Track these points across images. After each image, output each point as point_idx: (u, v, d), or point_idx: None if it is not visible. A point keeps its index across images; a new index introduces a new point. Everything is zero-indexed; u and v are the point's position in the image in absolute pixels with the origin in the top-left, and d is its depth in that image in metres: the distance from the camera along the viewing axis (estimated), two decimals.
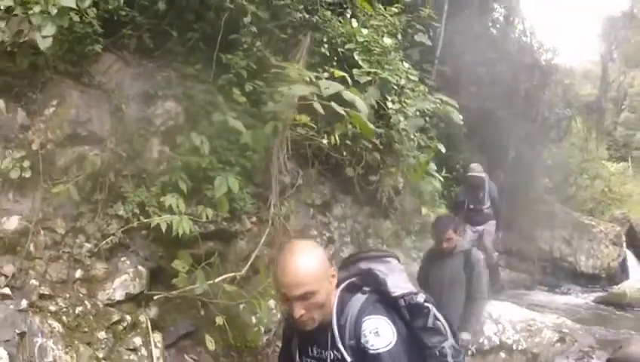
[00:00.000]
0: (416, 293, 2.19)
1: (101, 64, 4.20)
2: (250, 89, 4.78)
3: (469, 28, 11.77)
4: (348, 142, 5.33)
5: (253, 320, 4.50)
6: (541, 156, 16.23)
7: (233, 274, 4.31)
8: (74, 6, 3.35)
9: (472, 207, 8.52)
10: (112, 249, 3.69)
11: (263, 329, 4.54)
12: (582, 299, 13.08)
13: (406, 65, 5.80)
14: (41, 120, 3.71)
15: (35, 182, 3.56)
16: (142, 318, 3.68)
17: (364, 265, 2.23)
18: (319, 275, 2.03)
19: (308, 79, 4.29)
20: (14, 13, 3.40)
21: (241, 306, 4.38)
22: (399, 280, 2.20)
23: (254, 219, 4.89)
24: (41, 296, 3.28)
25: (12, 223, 3.43)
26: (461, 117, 5.89)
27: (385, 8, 6.43)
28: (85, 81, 4.07)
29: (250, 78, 4.80)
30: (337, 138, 5.08)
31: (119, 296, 3.65)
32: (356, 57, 5.39)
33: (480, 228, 8.64)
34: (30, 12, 3.28)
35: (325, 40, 5.50)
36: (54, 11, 3.28)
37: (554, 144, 17.68)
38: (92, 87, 4.10)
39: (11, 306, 3.15)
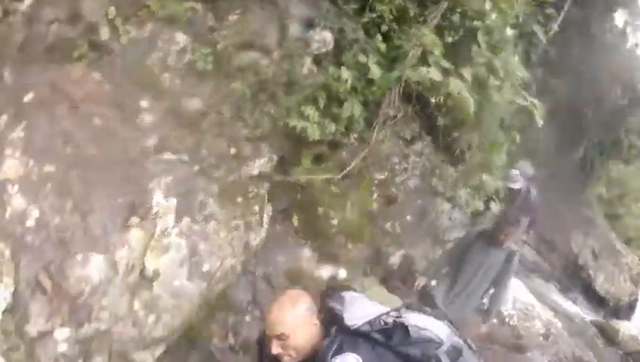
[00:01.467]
0: (386, 314, 2.27)
1: None
2: (386, 30, 5.72)
3: (585, 24, 11.99)
4: (449, 102, 6.31)
5: (331, 213, 5.78)
6: (606, 168, 16.59)
7: (332, 175, 5.52)
8: None
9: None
10: (258, 137, 4.84)
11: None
12: (582, 313, 13.27)
13: (516, 58, 6.65)
14: (226, 25, 4.76)
15: (214, 74, 4.52)
16: (262, 191, 4.91)
17: (328, 302, 2.38)
18: (296, 322, 2.23)
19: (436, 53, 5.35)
20: None
21: (326, 199, 5.66)
22: (358, 309, 2.29)
23: (356, 136, 5.75)
24: (209, 164, 4.34)
25: (194, 104, 4.41)
26: (542, 122, 6.75)
27: None
28: None
29: (390, 22, 5.75)
30: (442, 98, 6.11)
31: (255, 172, 4.74)
32: (479, 37, 6.15)
33: None
34: None
35: (459, 10, 6.27)
36: None
37: (621, 161, 17.56)
38: (267, 2, 5.15)
39: (186, 168, 4.11)
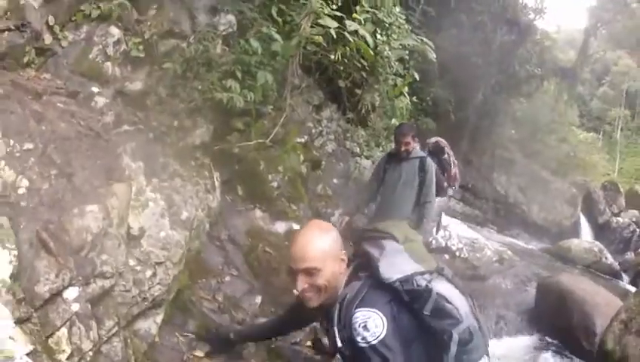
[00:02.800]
0: (420, 274, 2.25)
1: None
2: (277, 10, 6.48)
3: None
4: (345, 59, 7.04)
5: (269, 177, 6.37)
6: (510, 107, 17.35)
7: (260, 140, 6.08)
8: None
9: None
10: (193, 110, 5.37)
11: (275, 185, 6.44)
12: (528, 245, 14.17)
13: (397, 8, 7.51)
14: (148, 17, 5.30)
15: (147, 60, 5.10)
16: (207, 161, 5.42)
17: (365, 247, 2.35)
18: (326, 254, 2.19)
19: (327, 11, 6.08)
20: None
21: (261, 166, 6.25)
22: (395, 263, 2.24)
23: (272, 106, 6.50)
24: (160, 133, 4.90)
25: (136, 86, 4.91)
26: (435, 56, 7.63)
27: None
28: None
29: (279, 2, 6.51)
30: (339, 55, 6.84)
31: (198, 142, 5.30)
32: None
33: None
34: None
35: None
36: None
37: (524, 98, 18.68)
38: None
39: (144, 136, 4.66)
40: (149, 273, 3.97)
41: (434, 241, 8.73)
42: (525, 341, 7.35)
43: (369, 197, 6.65)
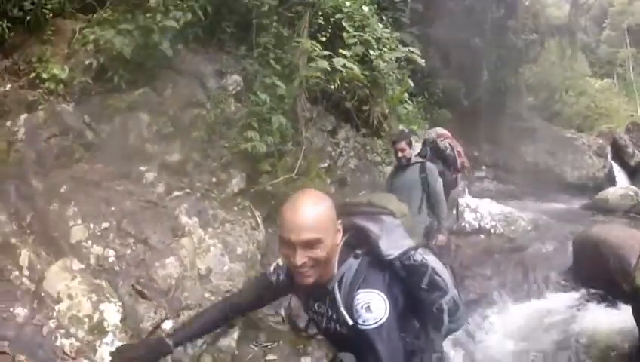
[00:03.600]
0: (414, 249, 2.18)
1: (182, 57, 6.69)
2: (274, 57, 7.29)
3: None
4: (345, 84, 7.89)
5: None
6: (521, 77, 17.08)
7: (288, 176, 6.88)
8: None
9: None
10: (226, 165, 6.19)
11: None
12: (567, 205, 14.11)
13: (380, 25, 8.35)
14: (166, 96, 6.21)
15: (176, 134, 5.91)
16: (246, 203, 6.28)
17: (359, 222, 2.21)
18: (327, 224, 2.02)
19: (317, 50, 6.97)
20: None
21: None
22: (394, 239, 2.17)
23: (291, 143, 7.14)
24: (204, 190, 5.84)
25: (174, 157, 5.81)
26: (423, 61, 8.38)
27: None
28: (179, 70, 6.62)
29: (275, 48, 7.35)
30: (338, 82, 7.70)
31: (236, 190, 6.13)
32: (344, 24, 7.84)
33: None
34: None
35: (320, 13, 7.91)
36: None
37: (530, 64, 18.60)
38: (185, 73, 6.66)
39: (192, 197, 5.68)
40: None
41: (467, 225, 9.30)
42: (569, 296, 7.45)
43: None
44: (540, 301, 7.36)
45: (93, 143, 5.50)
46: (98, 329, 4.09)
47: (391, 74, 8.51)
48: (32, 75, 5.64)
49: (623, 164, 18.02)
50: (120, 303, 4.26)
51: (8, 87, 5.69)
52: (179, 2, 6.11)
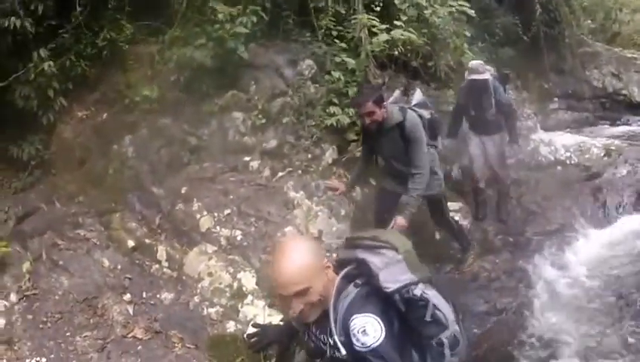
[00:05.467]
0: (414, 284, 2.20)
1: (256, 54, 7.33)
2: (336, 34, 7.81)
3: None
4: (408, 46, 8.29)
5: None
6: (573, 2, 16.12)
7: None
8: None
9: (473, 113, 7.48)
10: (317, 141, 6.68)
11: None
12: (639, 126, 13.79)
13: None
14: (252, 92, 6.82)
15: (268, 124, 6.52)
16: (341, 170, 6.81)
17: (360, 254, 2.25)
18: (311, 271, 2.09)
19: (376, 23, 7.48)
20: None
21: None
22: (394, 272, 2.19)
23: None
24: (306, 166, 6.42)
25: (272, 144, 6.52)
26: (472, 11, 8.61)
27: None
28: (257, 66, 7.27)
29: (336, 27, 7.85)
30: (401, 46, 8.14)
31: (330, 161, 6.56)
32: None
33: (485, 138, 7.54)
34: None
35: None
36: None
37: None
38: (262, 67, 7.27)
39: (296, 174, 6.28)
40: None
41: (543, 159, 9.49)
42: None
43: (361, 167, 6.18)
44: (617, 225, 7.62)
45: (198, 146, 6.20)
46: (238, 295, 4.84)
47: (447, 28, 8.79)
48: (126, 100, 6.39)
49: None
50: (253, 270, 5.00)
51: (105, 115, 6.54)
52: (240, 8, 6.67)
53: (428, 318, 2.20)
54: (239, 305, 4.73)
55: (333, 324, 2.11)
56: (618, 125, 14.26)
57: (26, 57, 5.92)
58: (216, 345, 4.49)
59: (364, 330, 2.03)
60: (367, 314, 2.08)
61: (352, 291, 2.19)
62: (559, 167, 9.42)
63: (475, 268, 6.47)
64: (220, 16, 6.36)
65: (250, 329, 4.31)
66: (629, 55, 16.89)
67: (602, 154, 9.69)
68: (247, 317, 4.67)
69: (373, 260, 2.21)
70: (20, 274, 4.85)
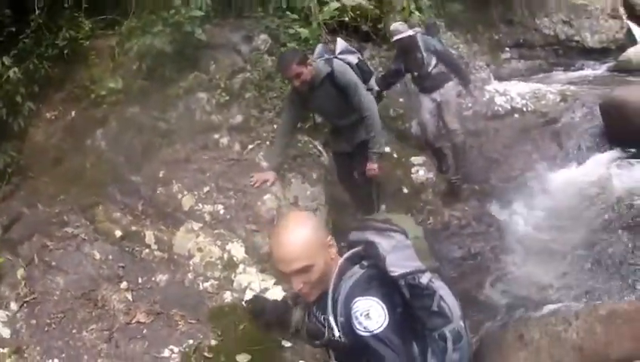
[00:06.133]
0: (421, 272, 2.14)
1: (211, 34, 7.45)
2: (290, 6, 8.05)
3: None
4: (357, 12, 8.56)
5: None
6: None
7: None
8: None
9: (415, 74, 7.55)
10: (280, 111, 6.83)
11: None
12: (593, 70, 14.32)
13: None
14: (213, 71, 6.97)
15: (232, 100, 6.67)
16: (306, 138, 6.96)
17: (370, 236, 2.21)
18: (314, 248, 2.05)
19: None
20: None
21: None
22: (402, 257, 2.14)
23: None
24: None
25: (237, 119, 6.75)
26: None
27: None
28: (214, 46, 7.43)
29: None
30: (351, 12, 8.40)
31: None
32: None
33: (436, 95, 7.47)
34: None
35: None
36: None
37: None
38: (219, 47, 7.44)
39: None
40: None
41: (500, 108, 9.66)
42: (603, 157, 8.12)
43: (282, 145, 6.03)
44: (578, 166, 8.04)
45: (168, 130, 6.37)
46: (230, 265, 5.10)
47: None
48: (92, 95, 6.52)
49: (638, 20, 17.53)
50: (240, 240, 5.27)
51: (73, 113, 6.65)
52: None
53: (435, 308, 2.12)
54: (232, 275, 4.93)
55: (331, 304, 2.06)
56: (573, 71, 14.64)
57: None
58: (216, 316, 4.71)
59: (368, 314, 1.97)
60: (371, 298, 2.01)
61: (357, 272, 2.13)
62: (516, 115, 9.65)
63: (446, 217, 6.75)
64: (177, 1, 6.51)
65: (248, 295, 4.65)
66: (580, 2, 16.94)
67: (558, 100, 9.96)
68: (242, 285, 4.92)
69: (382, 242, 2.16)
70: (15, 282, 4.91)
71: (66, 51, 6.58)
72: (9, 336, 4.43)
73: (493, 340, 4.60)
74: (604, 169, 7.68)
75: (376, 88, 5.87)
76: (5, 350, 4.29)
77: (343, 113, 5.48)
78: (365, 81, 5.54)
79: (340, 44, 5.80)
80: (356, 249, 2.22)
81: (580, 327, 4.11)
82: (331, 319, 2.05)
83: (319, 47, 5.89)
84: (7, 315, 4.59)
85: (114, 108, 6.40)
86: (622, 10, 17.26)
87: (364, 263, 2.15)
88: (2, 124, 6.18)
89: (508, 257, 6.09)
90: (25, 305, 4.73)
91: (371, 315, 1.96)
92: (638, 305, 4.51)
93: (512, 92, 10.06)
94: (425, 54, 7.24)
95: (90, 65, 6.81)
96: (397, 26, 7.37)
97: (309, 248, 2.05)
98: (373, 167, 5.49)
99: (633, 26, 17.08)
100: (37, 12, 6.31)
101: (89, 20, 6.89)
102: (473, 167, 7.99)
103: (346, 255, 2.18)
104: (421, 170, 7.29)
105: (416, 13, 9.20)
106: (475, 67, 10.33)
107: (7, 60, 5.97)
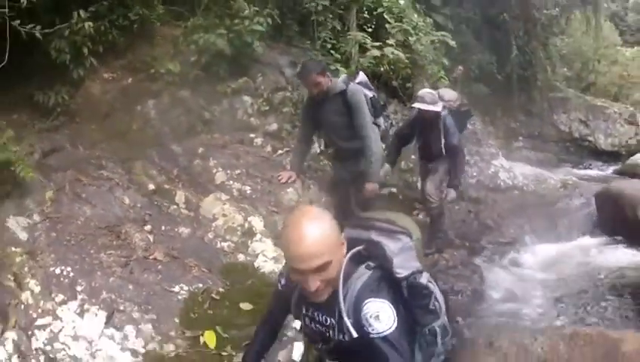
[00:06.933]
0: (420, 272, 2.20)
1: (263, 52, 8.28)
2: (334, 46, 8.96)
3: None
4: (392, 66, 9.36)
5: None
6: (550, 49, 17.14)
7: None
8: None
9: (420, 144, 7.26)
10: None
11: None
12: (600, 170, 14.70)
13: (415, 15, 9.93)
14: (259, 83, 7.77)
15: (270, 111, 7.55)
16: (325, 161, 7.79)
17: (375, 237, 2.19)
18: (333, 244, 2.00)
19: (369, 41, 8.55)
20: None
21: None
22: (406, 259, 2.17)
23: None
24: None
25: (272, 127, 7.52)
26: (454, 42, 9.88)
27: None
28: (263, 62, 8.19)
29: (332, 40, 8.98)
30: (386, 65, 9.23)
31: (318, 150, 7.61)
32: (385, 16, 9.40)
33: (432, 165, 7.14)
34: None
35: (365, 8, 9.53)
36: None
37: (560, 36, 18.79)
38: (266, 64, 8.21)
39: None
40: None
41: (502, 183, 10.21)
42: (593, 240, 8.34)
43: (302, 150, 6.50)
44: (566, 243, 8.30)
45: (210, 120, 7.12)
46: (249, 233, 5.68)
47: (427, 55, 9.93)
48: (151, 70, 7.15)
49: None
50: (261, 216, 5.89)
51: (130, 80, 7.27)
52: (258, 10, 7.64)
53: (431, 306, 2.19)
54: (249, 242, 5.46)
55: (343, 305, 2.02)
56: (579, 169, 15.02)
57: (63, 14, 6.30)
58: (227, 270, 5.23)
59: (378, 316, 1.97)
60: (380, 300, 2.01)
61: (364, 273, 2.10)
62: (516, 191, 10.20)
63: (436, 257, 7.32)
64: (246, 12, 7.40)
65: (261, 259, 5.18)
66: (600, 103, 17.75)
67: (559, 186, 10.53)
68: (256, 251, 5.47)
69: (390, 245, 2.15)
70: (42, 200, 5.14)
71: (135, 26, 7.21)
72: (25, 240, 4.72)
73: (464, 344, 5.00)
74: (591, 249, 8.04)
75: (383, 126, 5.85)
76: (18, 249, 4.57)
77: (348, 135, 5.61)
78: (375, 116, 5.64)
79: (361, 75, 6.01)
80: (358, 248, 2.16)
81: (545, 343, 4.51)
82: (347, 320, 2.01)
83: (343, 76, 6.20)
84: (27, 223, 4.88)
85: (168, 87, 7.06)
86: (639, 117, 17.70)
87: (371, 264, 2.12)
88: (63, 68, 6.52)
89: (485, 303, 6.56)
90: (47, 220, 4.97)
91: (381, 317, 1.97)
92: (600, 329, 4.99)
93: (517, 171, 10.64)
94: (442, 137, 6.75)
95: (153, 45, 7.49)
96: (425, 93, 6.68)
97: (329, 244, 1.96)
98: (371, 187, 5.59)
99: None
100: None
101: (162, 5, 7.62)
102: (468, 228, 8.43)
103: (349, 254, 2.11)
104: (421, 214, 7.81)
105: (446, 80, 9.96)
106: (487, 144, 10.96)
107: (83, 13, 6.33)
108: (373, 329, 1.96)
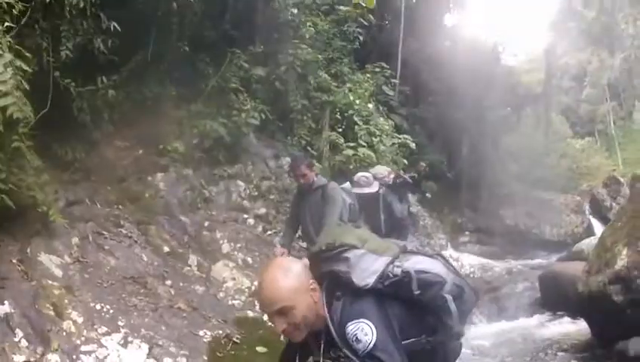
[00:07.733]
0: (390, 264, 2.15)
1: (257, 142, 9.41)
2: (310, 142, 10.11)
3: (422, 50, 14.57)
4: (358, 164, 10.29)
5: None
6: (500, 146, 17.97)
7: None
8: None
9: (362, 225, 6.44)
10: None
11: None
12: (545, 260, 14.53)
13: (381, 119, 11.34)
14: (249, 171, 8.85)
15: (259, 196, 8.68)
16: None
17: (325, 267, 2.20)
18: (294, 290, 2.06)
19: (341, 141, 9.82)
20: None
21: None
22: (365, 268, 2.13)
23: None
24: None
25: (261, 211, 8.53)
26: (414, 144, 11.17)
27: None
28: (252, 152, 9.31)
29: (307, 137, 10.13)
30: (353, 162, 10.31)
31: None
32: (355, 118, 10.75)
33: None
34: None
35: (337, 109, 10.77)
36: None
37: (510, 134, 19.53)
38: (253, 154, 9.31)
39: None
40: None
41: None
42: (537, 317, 8.92)
43: (290, 232, 6.50)
44: (512, 322, 8.91)
45: (209, 198, 8.10)
46: (255, 294, 6.34)
47: (388, 154, 11.15)
48: (160, 146, 7.98)
49: (602, 218, 18.33)
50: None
51: (141, 151, 8.01)
52: (253, 105, 8.77)
53: (416, 291, 2.11)
54: (256, 301, 6.00)
55: (338, 340, 2.07)
56: (525, 259, 15.12)
57: (86, 76, 6.65)
58: (241, 322, 5.95)
59: (356, 337, 2.01)
60: (355, 321, 2.04)
61: (337, 305, 2.12)
62: None
63: None
64: (248, 106, 8.51)
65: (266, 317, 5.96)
66: (547, 197, 18.48)
67: (504, 273, 11.18)
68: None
69: (340, 268, 2.14)
70: (70, 244, 5.50)
71: (149, 102, 7.91)
72: (60, 276, 5.10)
73: None
74: (535, 324, 8.61)
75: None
76: (55, 283, 4.92)
77: (314, 218, 5.83)
78: (351, 221, 5.93)
79: (348, 185, 6.46)
80: (326, 282, 2.19)
81: None
82: (347, 351, 2.05)
83: (347, 183, 6.60)
84: (60, 261, 5.22)
85: (174, 163, 7.96)
86: (587, 207, 18.46)
87: (338, 294, 2.14)
88: (80, 127, 6.84)
89: None
90: (77, 262, 5.37)
91: (359, 337, 2.00)
92: None
93: (464, 260, 11.52)
94: (382, 216, 6.74)
95: (162, 122, 8.27)
96: (359, 177, 6.64)
97: (288, 290, 2.05)
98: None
99: (595, 223, 17.81)
100: (136, 58, 7.53)
101: (173, 85, 8.38)
102: None
103: (322, 293, 2.16)
104: None
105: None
106: (437, 236, 12.01)
107: (106, 80, 6.82)
108: (359, 351, 2.01)
